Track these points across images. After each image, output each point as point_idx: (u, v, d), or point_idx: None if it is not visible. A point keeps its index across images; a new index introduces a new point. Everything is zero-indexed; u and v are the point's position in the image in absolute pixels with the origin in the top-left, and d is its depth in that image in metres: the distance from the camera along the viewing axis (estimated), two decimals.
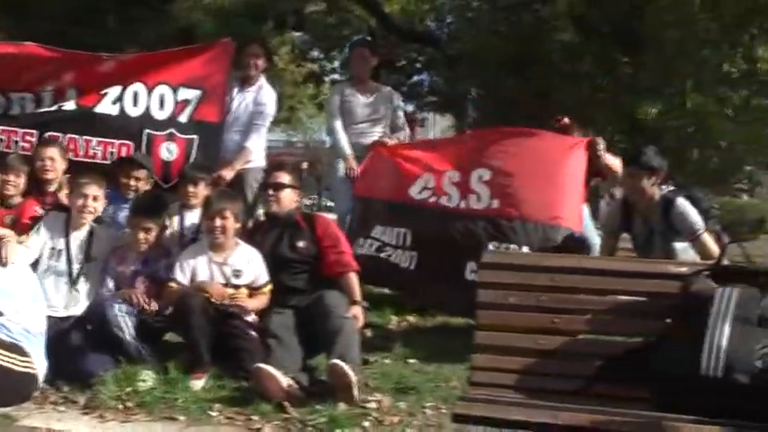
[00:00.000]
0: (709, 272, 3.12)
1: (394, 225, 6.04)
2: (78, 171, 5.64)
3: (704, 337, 2.79)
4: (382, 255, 6.01)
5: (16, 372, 4.14)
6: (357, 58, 7.24)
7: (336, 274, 5.10)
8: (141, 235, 5.03)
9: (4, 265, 4.44)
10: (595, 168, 5.85)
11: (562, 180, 5.67)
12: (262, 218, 5.94)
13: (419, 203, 6.00)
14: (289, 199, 5.23)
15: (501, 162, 5.78)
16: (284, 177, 5.24)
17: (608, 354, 3.06)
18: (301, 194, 5.65)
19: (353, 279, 5.10)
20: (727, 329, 2.78)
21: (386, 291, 6.82)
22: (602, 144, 5.87)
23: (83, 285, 5.04)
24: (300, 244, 5.13)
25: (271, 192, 5.21)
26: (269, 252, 5.10)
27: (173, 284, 4.89)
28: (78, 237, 5.10)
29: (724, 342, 2.75)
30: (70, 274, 5.03)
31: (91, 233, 5.13)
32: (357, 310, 4.91)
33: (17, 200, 5.51)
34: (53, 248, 5.07)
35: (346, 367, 4.20)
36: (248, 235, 5.25)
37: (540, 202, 5.59)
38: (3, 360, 4.07)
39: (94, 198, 5.10)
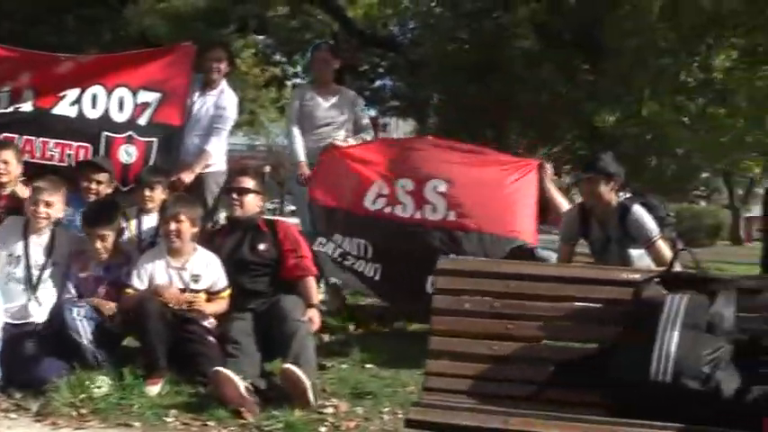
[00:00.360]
0: (660, 279, 3.17)
1: (353, 236, 6.05)
2: (36, 173, 5.57)
3: (654, 343, 2.84)
4: (346, 263, 6.03)
5: None
6: (319, 61, 7.23)
7: (295, 277, 5.11)
8: (98, 244, 4.96)
9: None
10: (543, 200, 5.93)
11: (515, 196, 5.79)
12: (222, 222, 5.93)
13: (374, 215, 6.01)
14: (252, 204, 5.26)
15: (456, 175, 5.85)
16: (248, 182, 5.27)
17: (561, 360, 3.09)
18: (264, 199, 5.65)
19: (311, 283, 5.14)
20: (676, 336, 2.83)
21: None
22: (549, 170, 6.01)
23: (43, 291, 4.96)
24: (261, 247, 5.15)
25: (235, 196, 5.22)
26: (230, 255, 5.10)
27: (129, 290, 4.85)
28: (38, 242, 5.02)
29: (673, 348, 2.80)
30: (29, 281, 4.94)
31: (53, 237, 5.05)
32: (313, 313, 4.93)
33: None
34: (11, 255, 4.97)
35: (299, 372, 4.22)
36: (208, 238, 5.25)
37: (496, 216, 5.69)
38: None
39: (47, 204, 5.00)
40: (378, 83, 18.61)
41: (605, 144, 9.73)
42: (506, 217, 5.72)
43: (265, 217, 5.57)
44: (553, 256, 5.76)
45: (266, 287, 5.07)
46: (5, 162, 5.48)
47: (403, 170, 6.03)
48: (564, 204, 6.01)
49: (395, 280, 5.86)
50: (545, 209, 5.96)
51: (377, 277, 5.95)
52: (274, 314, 4.74)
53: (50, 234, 5.06)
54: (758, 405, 2.69)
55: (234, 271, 5.05)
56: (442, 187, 5.83)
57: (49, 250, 5.03)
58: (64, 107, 6.05)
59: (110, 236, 5.00)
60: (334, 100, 6.99)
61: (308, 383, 4.20)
